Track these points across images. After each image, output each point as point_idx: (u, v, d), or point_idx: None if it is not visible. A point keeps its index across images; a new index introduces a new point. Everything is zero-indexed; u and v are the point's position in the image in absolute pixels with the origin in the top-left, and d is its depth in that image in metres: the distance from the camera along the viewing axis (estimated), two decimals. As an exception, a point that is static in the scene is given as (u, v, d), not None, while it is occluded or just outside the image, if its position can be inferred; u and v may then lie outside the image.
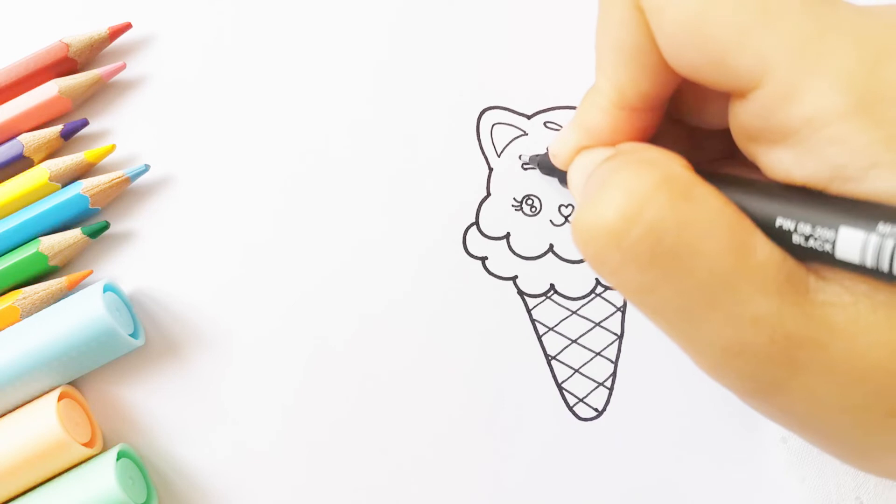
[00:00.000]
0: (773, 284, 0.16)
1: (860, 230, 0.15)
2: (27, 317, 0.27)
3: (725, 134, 0.19)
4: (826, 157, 0.16)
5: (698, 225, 0.16)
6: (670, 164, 0.17)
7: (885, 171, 0.15)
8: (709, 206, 0.16)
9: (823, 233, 0.16)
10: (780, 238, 0.16)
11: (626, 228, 0.16)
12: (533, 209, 0.28)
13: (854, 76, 0.15)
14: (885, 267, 0.15)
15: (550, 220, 0.28)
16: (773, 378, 0.16)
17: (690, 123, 0.22)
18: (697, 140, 0.22)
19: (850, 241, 0.15)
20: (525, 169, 0.28)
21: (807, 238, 0.16)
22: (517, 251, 0.28)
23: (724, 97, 0.19)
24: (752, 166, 0.18)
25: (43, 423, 0.25)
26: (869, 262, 0.15)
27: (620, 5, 0.19)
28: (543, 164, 0.27)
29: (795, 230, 0.16)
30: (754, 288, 0.16)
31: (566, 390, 0.27)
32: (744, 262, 0.16)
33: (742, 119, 0.18)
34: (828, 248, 0.16)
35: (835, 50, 0.16)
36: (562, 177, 0.24)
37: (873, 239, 0.15)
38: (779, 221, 0.16)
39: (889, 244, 0.15)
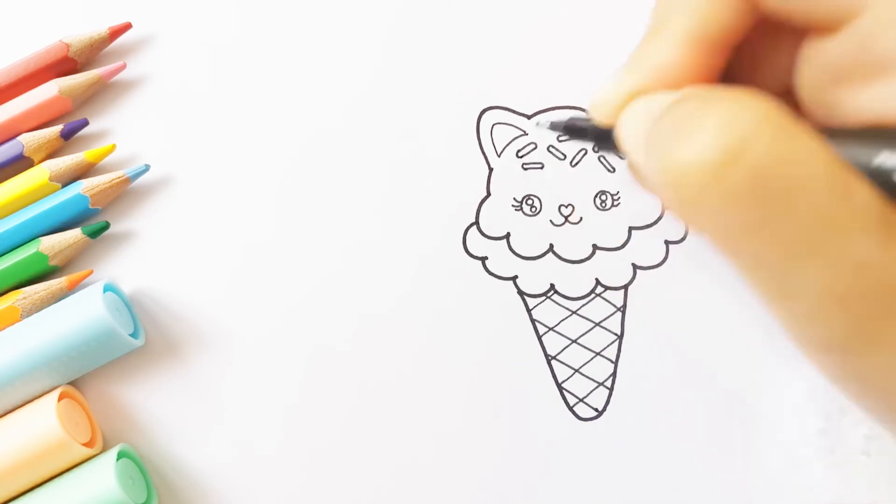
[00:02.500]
0: (877, 229, 0.15)
1: None
2: (27, 317, 0.27)
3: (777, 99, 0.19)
4: None
5: (803, 162, 0.15)
6: (766, 100, 0.16)
7: None
8: (810, 144, 0.15)
9: None
10: (878, 180, 0.16)
11: (729, 165, 0.15)
12: (533, 209, 0.28)
13: None
14: None
15: (550, 220, 0.28)
16: (870, 329, 0.15)
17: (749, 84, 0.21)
18: None
19: None
20: (548, 128, 0.26)
21: None
22: (517, 251, 0.28)
23: (793, 44, 0.18)
24: None
25: (43, 423, 0.25)
26: None
27: None
28: (573, 127, 0.24)
29: None
30: (859, 231, 0.15)
31: (566, 390, 0.27)
32: (848, 203, 0.15)
33: (829, 58, 0.17)
34: None
35: None
36: (599, 136, 0.22)
37: None
38: (881, 158, 0.15)
39: None
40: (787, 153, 0.15)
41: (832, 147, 0.16)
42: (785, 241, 0.15)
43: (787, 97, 0.19)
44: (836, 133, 0.16)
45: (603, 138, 0.21)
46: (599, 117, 0.21)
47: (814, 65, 0.17)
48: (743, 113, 0.16)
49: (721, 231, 0.16)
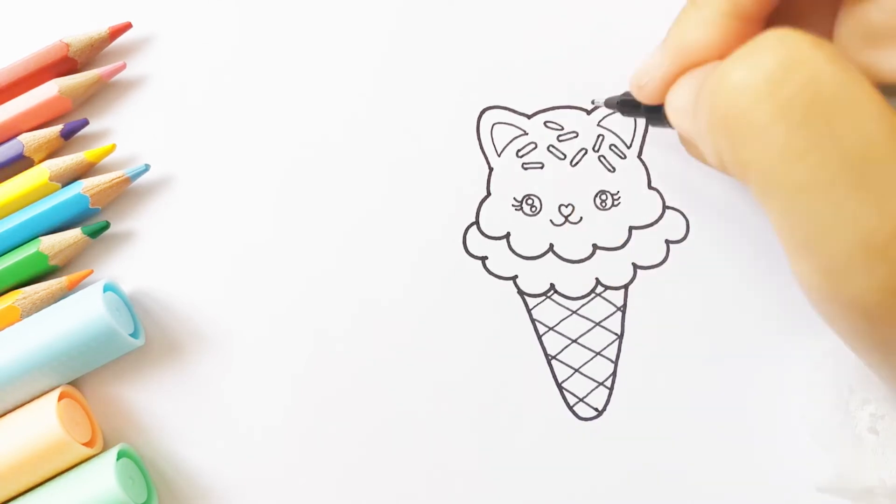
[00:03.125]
0: None
1: None
2: (27, 317, 0.27)
3: None
4: None
5: (855, 89, 0.15)
6: (820, 39, 0.16)
7: None
8: (862, 77, 0.15)
9: None
10: None
11: (786, 77, 0.15)
12: (533, 209, 0.28)
13: None
14: None
15: (550, 220, 0.28)
16: None
17: None
18: None
19: None
20: (603, 104, 0.26)
21: None
22: (517, 251, 0.28)
23: (830, 7, 0.18)
24: None
25: (43, 423, 0.25)
26: None
27: None
28: (625, 104, 0.24)
29: None
30: None
31: (566, 390, 0.27)
32: None
33: (865, 21, 0.17)
34: None
35: None
36: (650, 111, 0.22)
37: None
38: None
39: None
40: (841, 76, 0.15)
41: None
42: (832, 170, 0.15)
43: None
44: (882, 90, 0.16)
45: (654, 112, 0.21)
46: (644, 99, 0.21)
47: (850, 27, 0.17)
48: (801, 37, 0.15)
49: (771, 155, 0.15)
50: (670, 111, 0.20)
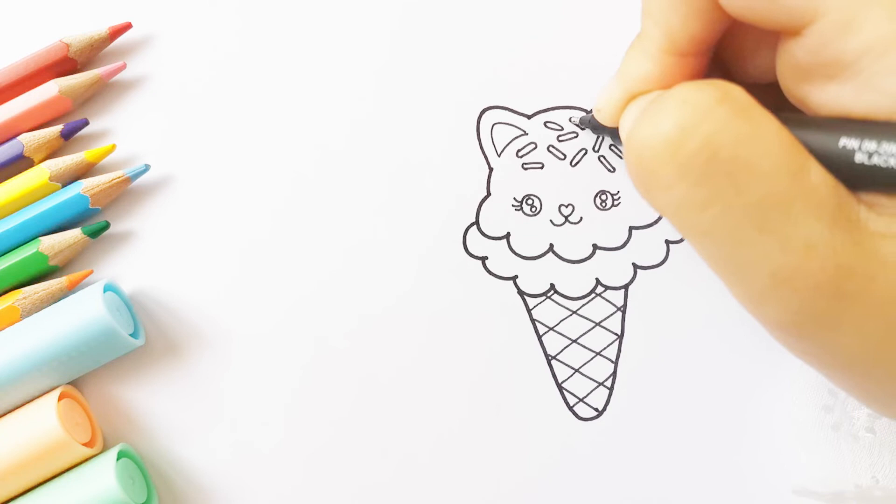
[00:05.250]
0: (826, 210, 0.16)
1: None
2: (27, 317, 0.27)
3: (767, 89, 0.19)
4: (886, 87, 0.15)
5: (756, 142, 0.16)
6: (730, 86, 0.17)
7: None
8: (767, 126, 0.16)
9: (890, 147, 0.15)
10: (836, 165, 0.16)
11: (683, 139, 0.16)
12: (533, 209, 0.28)
13: None
14: None
15: (550, 220, 0.28)
16: (819, 309, 0.16)
17: (733, 78, 0.22)
18: None
19: None
20: (582, 128, 0.28)
21: (870, 155, 0.16)
22: (517, 251, 0.28)
23: (771, 41, 0.18)
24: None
25: (43, 423, 0.25)
26: None
27: None
28: (593, 123, 0.27)
29: (860, 148, 0.16)
30: (808, 212, 0.15)
31: (566, 390, 0.27)
32: (799, 185, 0.16)
33: (795, 57, 0.17)
34: (893, 163, 0.15)
35: None
36: (612, 133, 0.23)
37: None
38: (842, 142, 0.16)
39: None
40: (741, 130, 0.16)
41: (795, 131, 0.16)
42: (736, 219, 0.16)
43: (777, 90, 0.19)
44: (805, 121, 0.17)
45: (615, 135, 0.23)
46: (602, 122, 0.23)
47: (784, 62, 0.18)
48: (701, 93, 0.16)
49: (676, 207, 0.17)
50: (622, 134, 0.22)
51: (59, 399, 0.26)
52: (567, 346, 0.27)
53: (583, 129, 0.28)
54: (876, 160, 0.16)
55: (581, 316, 0.27)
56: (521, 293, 0.28)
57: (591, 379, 0.27)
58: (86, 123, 0.29)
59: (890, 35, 0.15)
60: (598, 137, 0.28)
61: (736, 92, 0.16)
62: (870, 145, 0.16)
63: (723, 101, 0.16)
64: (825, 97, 0.17)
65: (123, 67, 0.29)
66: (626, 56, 0.21)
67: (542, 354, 0.27)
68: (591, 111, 0.28)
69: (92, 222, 0.28)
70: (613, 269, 0.28)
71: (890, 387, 0.17)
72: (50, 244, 0.27)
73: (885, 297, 0.15)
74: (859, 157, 0.16)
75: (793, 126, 0.17)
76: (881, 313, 0.15)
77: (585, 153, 0.28)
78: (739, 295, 0.17)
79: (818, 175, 0.16)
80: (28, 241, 0.27)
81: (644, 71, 0.20)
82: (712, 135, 0.16)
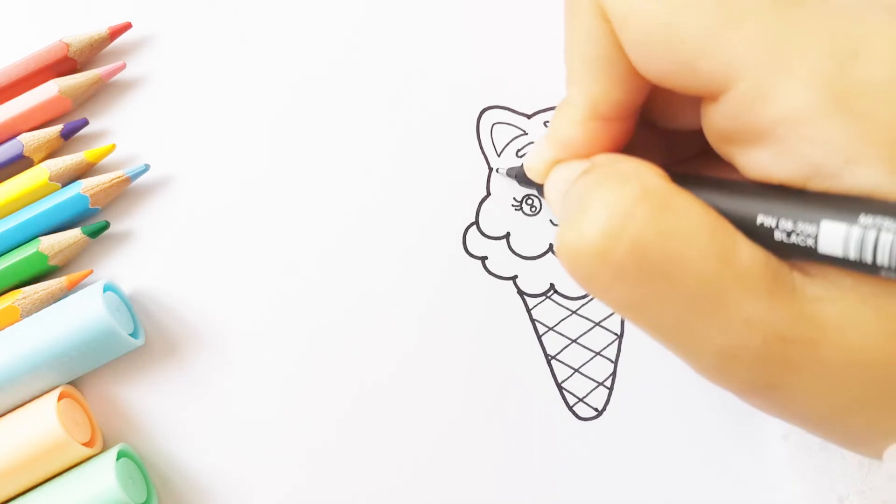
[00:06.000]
0: (760, 286, 0.16)
1: (842, 223, 0.15)
2: (27, 317, 0.27)
3: (700, 134, 0.19)
4: (803, 155, 0.16)
5: (681, 235, 0.16)
6: (647, 177, 0.17)
7: (862, 167, 0.15)
8: (689, 214, 0.16)
9: (805, 228, 0.16)
10: (762, 237, 0.16)
11: (610, 246, 0.16)
12: (533, 209, 0.28)
13: (825, 73, 0.15)
14: (868, 258, 0.15)
15: (550, 220, 0.28)
16: (769, 378, 0.16)
17: (664, 126, 0.22)
18: (672, 141, 0.22)
19: (833, 235, 0.15)
20: (505, 174, 0.28)
21: (789, 234, 0.16)
22: (517, 251, 0.28)
23: (697, 100, 0.19)
24: (729, 164, 0.18)
25: (43, 423, 0.25)
26: (852, 254, 0.15)
27: (587, 17, 0.19)
28: (521, 176, 0.27)
29: (777, 227, 0.16)
30: (742, 291, 0.16)
31: (566, 390, 0.27)
32: (729, 267, 0.16)
33: (715, 121, 0.18)
34: (810, 242, 0.16)
35: (804, 47, 0.15)
36: (540, 189, 0.24)
37: (855, 231, 0.15)
38: (760, 219, 0.16)
39: (871, 236, 0.15)
40: (665, 228, 0.16)
41: (715, 211, 0.17)
42: (674, 310, 0.16)
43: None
44: (730, 189, 0.17)
45: (542, 191, 0.23)
46: (532, 178, 0.23)
47: (708, 124, 0.18)
48: (621, 193, 0.16)
49: (616, 304, 0.17)
50: (546, 199, 0.22)
51: (59, 399, 0.26)
52: (567, 346, 0.27)
53: (511, 178, 0.28)
54: (794, 239, 0.16)
55: (581, 316, 0.27)
56: (520, 293, 0.28)
57: (590, 379, 0.27)
58: (86, 123, 0.29)
59: (805, 105, 0.15)
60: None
61: (655, 182, 0.17)
62: (786, 224, 0.16)
63: (642, 198, 0.16)
64: (747, 160, 0.17)
65: (123, 67, 0.29)
66: (553, 119, 0.21)
67: (542, 354, 0.27)
68: (521, 165, 0.28)
69: (92, 222, 0.28)
70: (613, 268, 0.28)
71: (857, 439, 0.17)
72: (50, 244, 0.27)
73: (831, 359, 0.16)
74: (778, 236, 0.16)
75: (717, 198, 0.17)
76: (830, 375, 0.16)
77: (585, 153, 0.28)
78: (693, 368, 0.18)
79: (747, 252, 0.16)
80: (28, 241, 0.27)
81: (570, 136, 0.20)
82: (637, 237, 0.16)
